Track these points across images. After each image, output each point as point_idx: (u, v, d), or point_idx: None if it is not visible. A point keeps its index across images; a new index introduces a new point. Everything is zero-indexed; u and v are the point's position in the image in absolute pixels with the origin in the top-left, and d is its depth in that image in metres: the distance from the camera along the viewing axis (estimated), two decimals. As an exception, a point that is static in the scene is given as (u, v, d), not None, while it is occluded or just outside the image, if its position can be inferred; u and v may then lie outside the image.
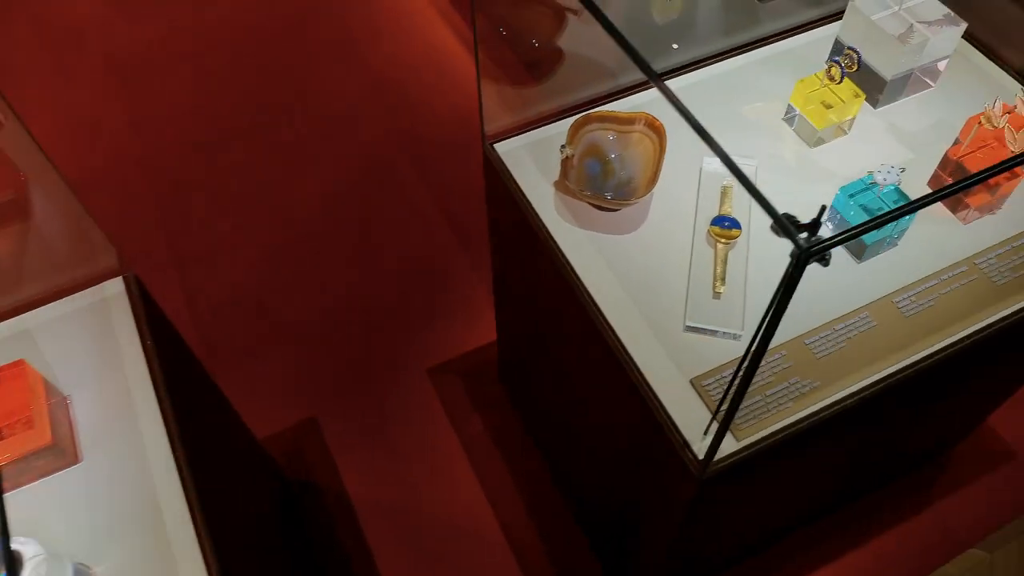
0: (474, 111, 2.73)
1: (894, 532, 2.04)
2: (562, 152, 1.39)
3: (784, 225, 0.70)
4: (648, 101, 1.56)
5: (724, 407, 1.02)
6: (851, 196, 1.29)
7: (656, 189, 1.45)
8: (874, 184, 1.26)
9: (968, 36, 1.65)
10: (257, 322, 2.44)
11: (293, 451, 2.19)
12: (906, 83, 1.52)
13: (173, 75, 3.10)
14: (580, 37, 1.72)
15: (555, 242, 1.38)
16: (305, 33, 3.22)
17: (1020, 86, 1.34)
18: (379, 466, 2.16)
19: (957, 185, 0.84)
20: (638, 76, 1.61)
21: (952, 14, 1.46)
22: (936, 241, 1.35)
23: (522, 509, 2.07)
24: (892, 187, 1.28)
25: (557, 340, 1.59)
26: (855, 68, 1.40)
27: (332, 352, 2.37)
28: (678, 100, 0.84)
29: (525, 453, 2.16)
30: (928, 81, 1.56)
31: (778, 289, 0.78)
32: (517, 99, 1.61)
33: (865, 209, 1.28)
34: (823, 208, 0.77)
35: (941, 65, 1.53)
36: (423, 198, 2.71)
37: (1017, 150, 1.30)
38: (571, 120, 1.45)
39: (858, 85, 1.54)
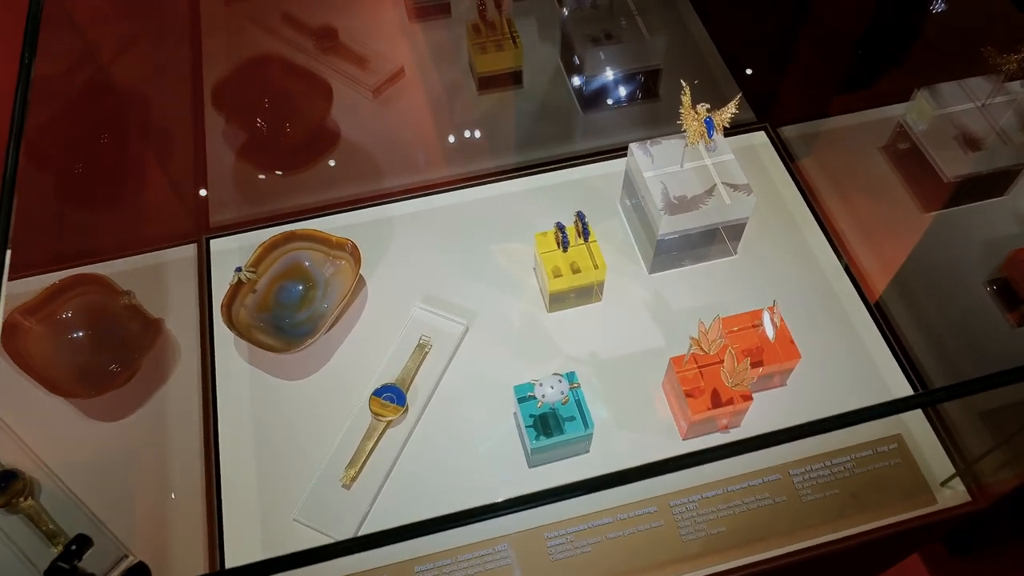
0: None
1: None
2: (236, 275, 1.20)
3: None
4: (374, 219, 1.36)
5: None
6: (520, 401, 1.06)
7: (356, 330, 1.25)
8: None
9: (810, 198, 1.37)
10: None
11: None
12: (692, 247, 1.26)
13: None
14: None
15: (212, 374, 1.20)
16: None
17: (773, 303, 1.07)
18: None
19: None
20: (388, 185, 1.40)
21: (747, 183, 1.19)
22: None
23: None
24: (572, 400, 1.05)
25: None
26: (582, 237, 1.15)
27: None
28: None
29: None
30: (730, 247, 1.29)
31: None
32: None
33: (537, 422, 1.05)
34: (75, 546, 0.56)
35: (743, 231, 1.26)
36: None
37: (732, 386, 1.03)
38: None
39: (644, 237, 1.29)
